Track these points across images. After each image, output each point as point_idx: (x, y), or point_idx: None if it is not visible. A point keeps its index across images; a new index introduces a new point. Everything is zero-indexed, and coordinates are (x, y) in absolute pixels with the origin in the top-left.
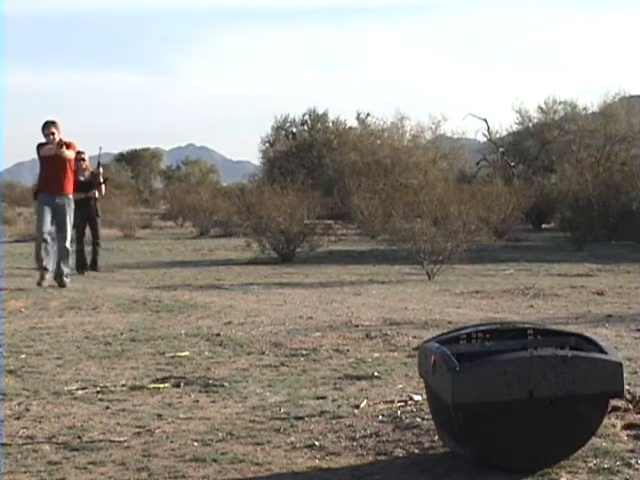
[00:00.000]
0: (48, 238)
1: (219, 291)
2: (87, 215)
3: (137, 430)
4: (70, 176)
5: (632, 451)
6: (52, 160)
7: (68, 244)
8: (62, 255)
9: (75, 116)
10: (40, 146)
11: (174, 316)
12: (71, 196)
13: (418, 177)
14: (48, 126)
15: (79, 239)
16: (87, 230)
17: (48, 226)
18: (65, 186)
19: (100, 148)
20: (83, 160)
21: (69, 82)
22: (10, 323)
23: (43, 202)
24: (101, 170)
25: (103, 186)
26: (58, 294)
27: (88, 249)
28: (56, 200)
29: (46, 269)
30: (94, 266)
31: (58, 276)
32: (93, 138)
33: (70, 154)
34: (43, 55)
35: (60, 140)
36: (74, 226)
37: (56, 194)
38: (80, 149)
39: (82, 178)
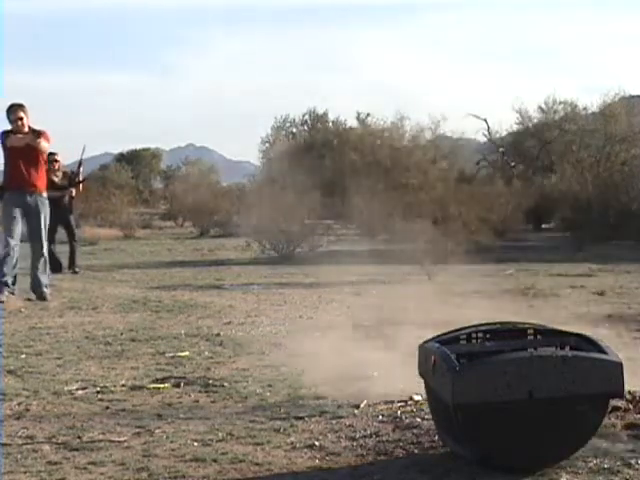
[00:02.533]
0: (15, 249)
1: (219, 291)
2: (60, 213)
3: (137, 430)
4: (43, 170)
5: (632, 451)
6: (21, 152)
7: (45, 250)
8: (38, 264)
9: (75, 116)
10: (5, 134)
11: (174, 316)
12: (45, 194)
13: (418, 177)
14: (15, 110)
15: (50, 239)
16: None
17: (18, 235)
18: (38, 182)
19: (84, 147)
20: (56, 161)
21: (69, 82)
22: (10, 323)
23: (11, 203)
24: (81, 169)
25: (81, 185)
26: (58, 294)
27: (65, 249)
28: (27, 200)
29: (7, 285)
30: (72, 266)
31: (37, 288)
32: (93, 138)
33: (45, 145)
34: (43, 55)
35: (35, 130)
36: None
37: (27, 192)
38: (52, 150)
39: (56, 179)
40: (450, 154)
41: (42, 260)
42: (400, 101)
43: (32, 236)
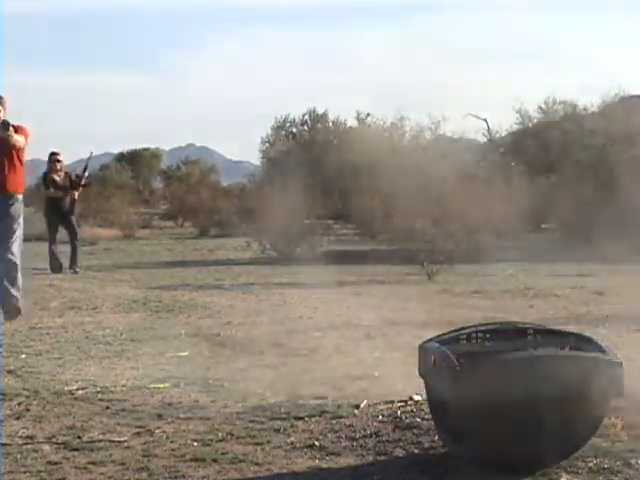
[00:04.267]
0: None
1: (219, 291)
2: (61, 213)
3: (137, 430)
4: (19, 169)
5: (632, 451)
6: None
7: (17, 258)
8: (10, 273)
9: (75, 116)
10: None
11: (174, 316)
12: (20, 196)
13: (418, 177)
14: None
15: (51, 238)
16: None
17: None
18: (11, 182)
19: (91, 153)
20: (58, 161)
21: (69, 82)
22: (10, 323)
23: None
24: (86, 174)
25: (81, 188)
26: (58, 294)
27: (66, 248)
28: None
29: None
30: (73, 266)
31: (8, 301)
32: (94, 138)
33: (20, 140)
34: (43, 55)
35: (4, 121)
36: (47, 224)
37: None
38: (54, 150)
39: (57, 178)
40: (450, 154)
41: (14, 269)
42: (400, 101)
43: (2, 242)
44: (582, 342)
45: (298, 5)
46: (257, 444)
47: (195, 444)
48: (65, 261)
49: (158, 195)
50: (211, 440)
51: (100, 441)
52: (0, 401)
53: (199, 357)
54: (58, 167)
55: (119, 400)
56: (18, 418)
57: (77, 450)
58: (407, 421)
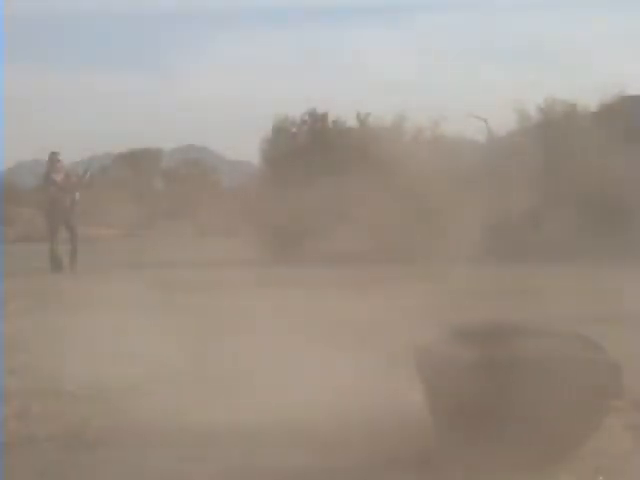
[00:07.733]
0: None
1: (219, 291)
2: (62, 214)
3: (137, 430)
4: None
5: (632, 451)
6: None
7: None
8: None
9: (75, 116)
10: None
11: (174, 316)
12: None
13: (418, 178)
14: None
15: (51, 238)
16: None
17: None
18: None
19: (91, 154)
20: (58, 161)
21: (69, 82)
22: (10, 323)
23: None
24: (87, 174)
25: (81, 189)
26: (58, 294)
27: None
28: None
29: None
30: (73, 266)
31: None
32: (94, 138)
33: None
34: (43, 54)
35: None
36: (47, 225)
37: None
38: (55, 150)
39: (58, 178)
40: (450, 154)
41: None
42: (400, 101)
43: None
44: (581, 342)
45: (298, 4)
46: (258, 444)
47: (195, 444)
48: (65, 261)
49: (158, 195)
50: (212, 440)
51: (100, 441)
52: (0, 401)
53: (199, 357)
54: (58, 167)
55: (119, 400)
56: (18, 418)
57: (77, 450)
58: (406, 420)
